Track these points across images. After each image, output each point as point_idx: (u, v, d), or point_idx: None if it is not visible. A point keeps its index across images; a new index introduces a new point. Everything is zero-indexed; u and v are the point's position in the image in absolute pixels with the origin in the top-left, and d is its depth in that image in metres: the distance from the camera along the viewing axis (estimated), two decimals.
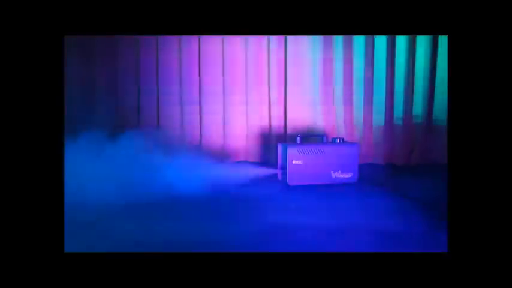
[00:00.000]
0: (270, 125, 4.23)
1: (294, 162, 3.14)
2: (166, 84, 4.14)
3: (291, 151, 3.14)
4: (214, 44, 4.12)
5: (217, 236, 2.00)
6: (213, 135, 4.20)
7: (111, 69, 4.08)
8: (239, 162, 4.14)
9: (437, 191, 2.88)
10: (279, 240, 1.93)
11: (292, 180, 3.16)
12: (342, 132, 4.18)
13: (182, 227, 2.13)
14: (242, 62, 4.17)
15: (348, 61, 4.17)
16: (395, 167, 4.10)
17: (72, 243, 1.67)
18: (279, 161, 3.36)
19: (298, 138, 3.29)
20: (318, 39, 4.13)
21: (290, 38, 4.10)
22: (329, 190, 3.04)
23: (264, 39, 4.13)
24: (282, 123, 4.22)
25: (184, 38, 4.10)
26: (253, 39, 4.12)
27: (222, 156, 4.05)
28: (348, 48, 4.16)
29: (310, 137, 3.55)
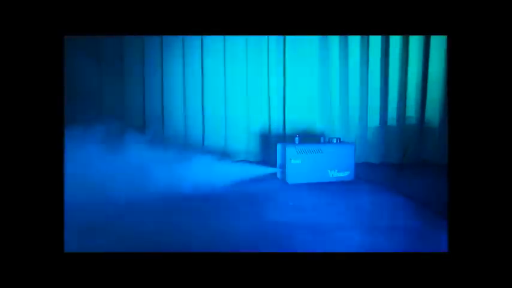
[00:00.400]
0: (269, 126, 4.17)
1: (293, 161, 3.10)
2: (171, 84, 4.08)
3: (290, 151, 3.10)
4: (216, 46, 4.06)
5: (220, 231, 1.96)
6: (215, 136, 4.15)
7: (117, 69, 4.01)
8: (240, 161, 4.07)
9: (430, 189, 2.88)
10: (279, 236, 1.88)
11: (291, 179, 3.11)
12: (338, 132, 4.13)
13: (185, 224, 2.08)
14: (243, 64, 4.10)
15: (344, 64, 4.12)
16: (389, 165, 4.04)
17: (72, 243, 1.59)
18: (279, 160, 3.31)
19: (297, 138, 3.23)
20: (316, 41, 4.07)
21: (289, 39, 4.04)
22: (327, 188, 2.98)
23: (263, 42, 4.06)
24: (281, 124, 4.17)
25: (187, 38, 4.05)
26: (252, 41, 4.06)
27: (224, 155, 3.98)
28: (344, 51, 4.10)
29: (308, 137, 3.49)
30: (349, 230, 1.96)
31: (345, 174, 3.19)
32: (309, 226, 2.03)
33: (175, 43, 4.04)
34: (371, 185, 3.11)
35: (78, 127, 2.50)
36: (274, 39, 4.06)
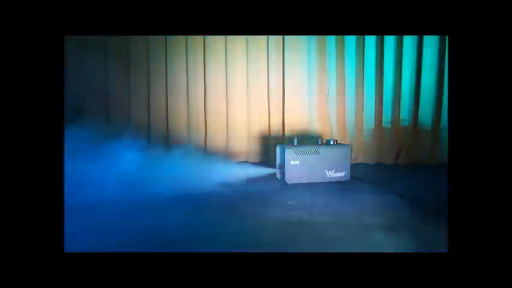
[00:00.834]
0: (269, 128, 4.11)
1: (292, 162, 3.04)
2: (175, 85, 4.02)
3: (289, 152, 3.04)
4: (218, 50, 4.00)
5: (221, 230, 1.91)
6: (218, 138, 4.08)
7: (122, 69, 3.93)
8: (241, 162, 4.01)
9: (423, 188, 2.85)
10: (279, 234, 1.84)
11: (290, 179, 3.05)
12: (335, 134, 4.08)
13: (187, 223, 2.01)
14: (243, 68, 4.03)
15: (340, 66, 4.06)
16: (384, 166, 3.98)
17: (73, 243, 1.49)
18: (278, 161, 3.25)
19: (295, 140, 3.17)
20: (314, 43, 4.01)
21: (288, 40, 3.97)
22: (324, 188, 2.93)
23: (263, 45, 4.00)
24: (280, 127, 4.11)
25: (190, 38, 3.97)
26: (252, 42, 3.99)
27: (226, 156, 3.92)
28: (340, 54, 4.04)
29: (306, 139, 3.44)
30: (345, 228, 1.90)
31: (341, 174, 3.13)
32: (307, 224, 1.99)
33: (179, 43, 3.97)
34: (366, 184, 3.06)
35: (79, 127, 2.41)
36: (273, 40, 3.99)
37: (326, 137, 3.87)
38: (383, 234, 1.79)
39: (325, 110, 4.09)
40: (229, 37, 3.94)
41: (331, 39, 4.01)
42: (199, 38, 3.95)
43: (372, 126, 4.10)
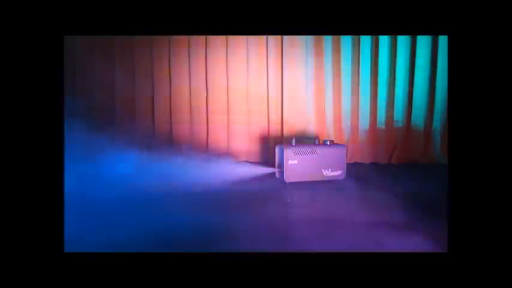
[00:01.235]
0: (268, 129, 4.05)
1: (290, 161, 3.00)
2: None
3: (287, 152, 3.01)
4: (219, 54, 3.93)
5: (222, 226, 1.86)
6: (219, 138, 4.02)
7: (128, 69, 3.85)
8: (241, 161, 3.94)
9: (416, 187, 2.82)
10: (278, 231, 1.82)
11: (288, 178, 3.01)
12: (331, 135, 4.00)
13: (190, 219, 1.96)
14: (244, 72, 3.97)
15: (337, 69, 3.99)
16: (378, 165, 3.93)
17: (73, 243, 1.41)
18: (277, 161, 3.20)
19: (294, 140, 3.13)
20: (311, 45, 3.94)
21: (286, 42, 3.90)
22: (321, 186, 2.91)
23: (263, 45, 3.93)
24: (279, 128, 4.05)
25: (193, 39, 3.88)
26: (252, 44, 3.92)
27: (227, 156, 3.85)
28: (336, 56, 3.97)
29: (304, 140, 3.37)
30: (341, 225, 1.86)
31: (337, 173, 3.09)
32: (305, 221, 1.96)
33: (182, 43, 3.89)
34: (361, 183, 3.03)
35: (80, 126, 2.33)
36: (272, 41, 3.92)
37: (323, 138, 3.74)
38: (380, 231, 1.74)
39: (322, 112, 4.03)
40: (230, 37, 3.87)
41: (327, 42, 3.95)
42: (201, 38, 3.87)
43: (367, 127, 4.03)
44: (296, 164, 2.99)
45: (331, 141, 3.19)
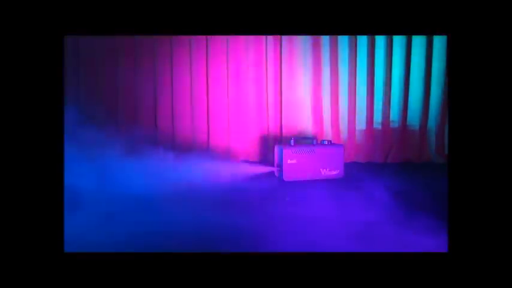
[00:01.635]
0: (267, 129, 4.01)
1: (289, 161, 2.98)
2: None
3: (286, 151, 2.98)
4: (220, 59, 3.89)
5: (222, 225, 1.82)
6: (219, 138, 3.98)
7: (131, 69, 3.80)
8: (241, 161, 3.91)
9: (411, 185, 2.79)
10: (277, 228, 1.78)
11: (287, 177, 2.99)
12: (329, 135, 3.98)
13: (190, 219, 1.92)
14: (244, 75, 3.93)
15: (334, 70, 3.95)
16: (375, 164, 3.89)
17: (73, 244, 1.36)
18: (276, 160, 3.18)
19: (292, 140, 3.10)
20: (309, 45, 3.90)
21: (285, 46, 3.86)
22: (319, 185, 2.87)
23: (262, 48, 3.89)
24: (278, 128, 4.01)
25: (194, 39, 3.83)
26: (252, 49, 3.88)
27: (227, 155, 3.81)
28: (333, 57, 3.93)
29: (302, 140, 3.34)
30: (339, 223, 1.83)
31: (335, 172, 3.06)
32: (304, 219, 1.93)
33: (183, 45, 3.84)
34: (358, 182, 2.99)
35: (81, 126, 2.28)
36: (271, 45, 3.88)
37: (321, 138, 3.80)
38: (379, 230, 1.71)
39: (319, 113, 4.00)
40: (230, 37, 3.82)
41: (325, 42, 3.90)
42: (202, 38, 3.82)
43: (363, 127, 4.00)
44: (295, 164, 2.97)
45: (329, 141, 3.17)
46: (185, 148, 3.44)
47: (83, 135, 2.25)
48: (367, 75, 3.95)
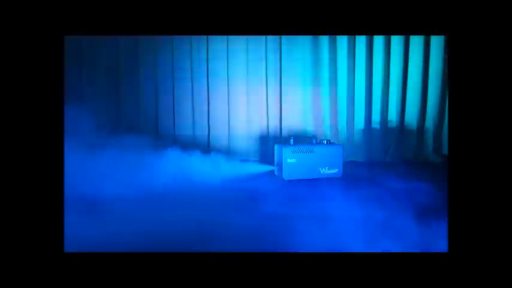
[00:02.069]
0: (267, 129, 3.99)
1: (289, 160, 2.95)
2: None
3: (286, 151, 2.96)
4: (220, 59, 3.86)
5: (222, 222, 1.81)
6: (220, 138, 3.96)
7: (132, 69, 3.77)
8: (242, 160, 3.86)
9: (408, 183, 2.77)
10: (277, 226, 1.77)
11: (287, 175, 2.96)
12: (328, 134, 3.96)
13: (192, 216, 1.91)
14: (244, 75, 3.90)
15: (334, 70, 3.93)
16: (373, 163, 3.86)
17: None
18: (276, 159, 3.16)
19: (292, 140, 3.07)
20: (309, 46, 3.87)
21: (285, 50, 3.84)
22: (318, 183, 2.85)
23: (262, 45, 3.86)
24: (278, 128, 3.99)
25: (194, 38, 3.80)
26: (253, 46, 3.85)
27: (227, 155, 3.79)
28: (333, 57, 3.90)
29: (302, 139, 3.31)
30: (338, 221, 1.82)
31: (334, 171, 3.04)
32: (302, 217, 1.92)
33: (184, 44, 3.81)
34: (357, 180, 2.99)
35: (81, 126, 2.24)
36: (271, 47, 3.86)
37: (320, 137, 3.73)
38: (378, 230, 1.68)
39: (319, 112, 3.98)
40: (231, 37, 3.79)
41: (324, 42, 3.88)
42: (203, 37, 3.79)
43: (362, 127, 3.99)
44: (294, 163, 2.94)
45: (328, 141, 3.14)
46: (185, 147, 3.41)
47: (83, 135, 2.22)
48: (366, 75, 3.93)
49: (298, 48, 3.87)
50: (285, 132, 3.94)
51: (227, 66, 3.88)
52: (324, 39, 3.87)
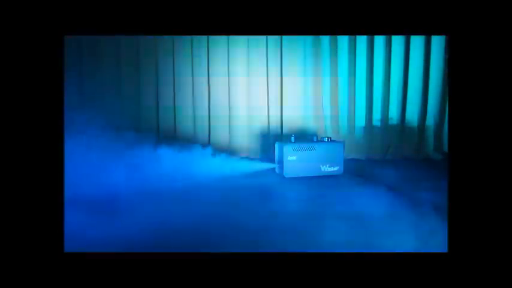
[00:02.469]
0: (268, 127, 3.98)
1: (289, 157, 2.94)
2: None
3: (287, 148, 2.94)
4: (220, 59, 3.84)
5: (223, 221, 1.80)
6: (220, 135, 3.95)
7: (133, 69, 3.75)
8: (242, 157, 3.86)
9: (407, 181, 2.76)
10: (277, 223, 1.77)
11: (287, 173, 2.95)
12: (329, 132, 3.94)
13: (193, 214, 1.91)
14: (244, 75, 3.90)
15: (334, 68, 3.91)
16: (373, 161, 3.85)
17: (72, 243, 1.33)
18: (277, 157, 3.14)
19: (293, 137, 3.06)
20: (310, 44, 3.86)
21: (285, 42, 3.82)
22: (319, 181, 2.84)
23: (263, 47, 3.84)
24: (279, 125, 3.98)
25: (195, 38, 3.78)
26: (253, 47, 3.83)
27: (228, 152, 3.78)
28: (333, 55, 3.89)
29: (302, 137, 3.31)
30: (338, 219, 1.81)
31: (335, 168, 3.02)
32: (303, 214, 1.92)
33: (185, 44, 3.79)
34: (358, 178, 2.96)
35: (81, 126, 2.23)
36: (272, 44, 3.84)
37: (321, 135, 3.75)
38: (378, 229, 1.67)
39: (320, 110, 3.96)
40: (231, 37, 3.77)
41: (325, 41, 3.86)
42: (203, 37, 3.78)
43: (363, 124, 3.97)
44: (295, 160, 2.93)
45: (329, 138, 3.12)
46: (186, 145, 3.41)
47: (83, 134, 2.21)
48: (367, 73, 3.91)
49: (299, 46, 3.85)
50: (285, 130, 3.92)
51: (228, 64, 3.86)
52: (325, 38, 3.85)
